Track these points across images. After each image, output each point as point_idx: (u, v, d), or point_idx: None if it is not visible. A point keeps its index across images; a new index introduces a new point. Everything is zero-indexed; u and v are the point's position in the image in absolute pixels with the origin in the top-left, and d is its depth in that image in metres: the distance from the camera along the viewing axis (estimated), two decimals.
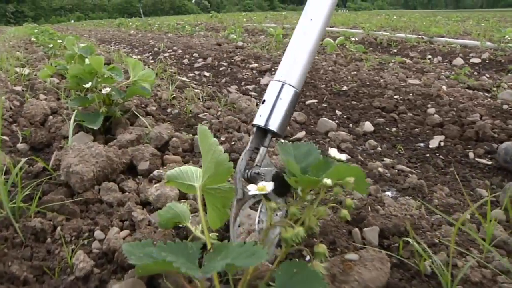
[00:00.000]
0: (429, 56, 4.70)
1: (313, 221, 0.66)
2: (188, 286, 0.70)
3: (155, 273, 0.75)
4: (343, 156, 0.76)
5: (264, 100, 0.92)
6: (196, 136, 1.53)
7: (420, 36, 6.00)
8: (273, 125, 0.87)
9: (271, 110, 0.89)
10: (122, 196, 1.11)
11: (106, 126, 1.68)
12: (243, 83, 3.37)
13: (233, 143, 1.55)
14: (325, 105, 2.66)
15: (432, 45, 5.35)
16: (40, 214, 1.06)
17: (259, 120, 0.88)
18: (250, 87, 3.18)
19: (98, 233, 0.97)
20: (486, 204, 1.35)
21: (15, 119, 1.90)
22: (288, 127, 2.01)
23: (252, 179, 0.81)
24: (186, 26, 7.73)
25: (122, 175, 1.26)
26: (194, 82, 3.17)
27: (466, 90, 2.88)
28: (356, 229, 1.03)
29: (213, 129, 1.69)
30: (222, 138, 1.60)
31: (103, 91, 1.58)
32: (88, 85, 1.61)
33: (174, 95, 2.24)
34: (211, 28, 9.04)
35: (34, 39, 5.44)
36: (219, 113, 1.86)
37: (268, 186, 0.70)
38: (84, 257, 0.86)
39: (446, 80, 3.29)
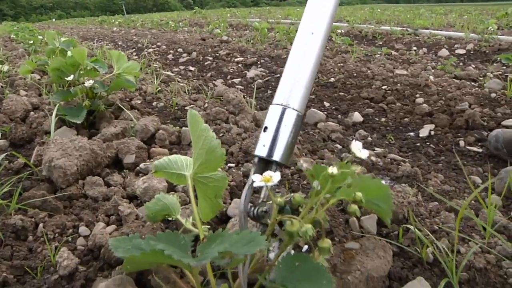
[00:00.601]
0: (415, 48, 4.70)
1: (321, 215, 0.60)
2: (180, 282, 0.66)
3: (144, 268, 0.70)
4: (365, 153, 0.68)
5: (266, 127, 0.80)
6: (183, 128, 1.48)
7: (404, 29, 6.00)
8: (278, 155, 0.77)
9: (274, 139, 0.78)
10: (107, 191, 1.06)
11: (89, 120, 1.63)
12: (229, 76, 3.33)
13: (221, 134, 1.51)
14: (313, 96, 2.62)
15: (417, 37, 5.35)
16: (21, 211, 1.00)
17: (262, 150, 0.77)
18: (236, 80, 3.14)
19: (82, 229, 0.92)
20: (482, 191, 1.34)
21: None
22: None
23: (259, 218, 0.72)
24: (170, 22, 7.64)
25: (107, 169, 1.21)
26: (179, 76, 3.11)
27: (454, 79, 2.87)
28: (354, 218, 1.00)
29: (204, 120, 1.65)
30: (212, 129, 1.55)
31: (86, 84, 1.52)
32: (70, 78, 1.55)
33: (160, 88, 2.18)
34: (195, 24, 8.95)
35: (14, 36, 5.32)
36: (206, 105, 1.81)
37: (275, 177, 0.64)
38: (68, 255, 0.81)
39: (433, 70, 3.28)
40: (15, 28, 7.04)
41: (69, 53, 1.66)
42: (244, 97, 2.36)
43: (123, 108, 1.62)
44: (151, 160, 1.26)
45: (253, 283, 0.66)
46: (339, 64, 3.45)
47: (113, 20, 12.04)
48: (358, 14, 9.10)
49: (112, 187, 1.09)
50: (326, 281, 0.56)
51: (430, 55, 4.26)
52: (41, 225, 0.94)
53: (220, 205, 0.74)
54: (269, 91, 2.83)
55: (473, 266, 0.79)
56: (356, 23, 7.16)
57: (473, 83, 2.85)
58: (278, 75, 3.15)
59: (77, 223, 0.95)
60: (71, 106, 1.62)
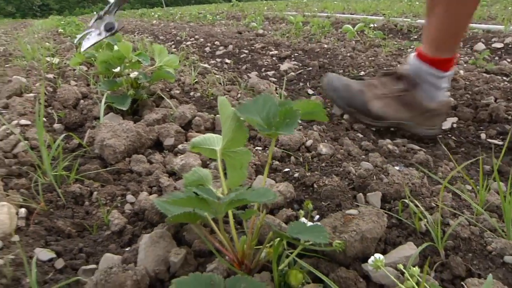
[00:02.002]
0: None
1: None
2: (210, 237, 0.81)
3: (182, 221, 0.86)
4: None
5: None
6: (217, 116, 1.64)
7: None
8: None
9: None
10: (150, 167, 1.24)
11: (133, 108, 1.81)
12: (263, 69, 3.46)
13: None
14: None
15: None
16: (78, 181, 1.18)
17: None
18: (270, 73, 3.27)
19: (129, 197, 1.10)
20: (490, 178, 1.44)
21: (50, 103, 2.04)
22: None
23: None
24: (208, 15, 7.83)
25: (150, 149, 1.39)
26: (216, 68, 3.28)
27: (483, 74, 2.92)
28: (360, 194, 1.13)
29: None
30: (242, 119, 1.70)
31: (131, 75, 1.70)
32: (117, 69, 1.74)
33: (197, 80, 2.35)
34: (232, 17, 9.13)
35: (61, 30, 5.62)
36: (239, 95, 1.96)
37: None
38: (119, 215, 0.98)
39: (465, 65, 3.32)
40: (62, 22, 7.40)
41: (115, 47, 1.85)
42: (276, 89, 2.50)
43: (164, 97, 1.79)
44: (188, 142, 1.42)
45: (263, 239, 0.82)
46: (370, 58, 3.53)
47: (153, 13, 12.38)
48: (395, 7, 9.03)
49: (154, 164, 1.26)
50: (323, 236, 0.70)
51: (465, 49, 4.27)
52: (95, 193, 1.12)
53: (244, 175, 0.89)
54: (301, 84, 2.96)
55: (458, 236, 0.92)
56: (393, 16, 7.15)
57: (504, 78, 2.88)
58: (311, 68, 3.27)
59: (124, 192, 1.13)
60: (117, 94, 1.80)
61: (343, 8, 10.10)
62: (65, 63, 3.19)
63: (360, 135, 1.81)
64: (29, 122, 1.55)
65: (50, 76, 2.69)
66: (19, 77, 2.43)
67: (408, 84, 1.73)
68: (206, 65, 3.37)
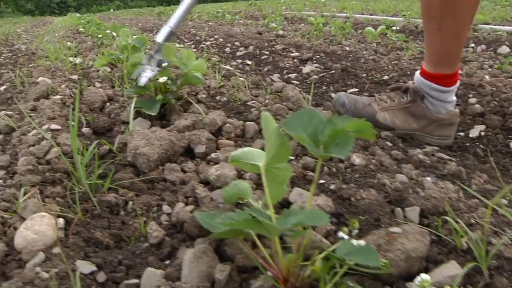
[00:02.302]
0: (472, 45, 4.63)
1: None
2: (253, 252, 0.80)
3: (226, 237, 0.86)
4: None
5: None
6: (247, 122, 1.63)
7: None
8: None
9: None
10: (183, 176, 1.23)
11: (161, 112, 1.80)
12: (285, 71, 3.45)
13: (281, 129, 1.64)
14: (366, 94, 2.71)
15: (476, 33, 5.26)
16: (112, 190, 1.18)
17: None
18: (292, 75, 3.26)
19: (165, 208, 1.09)
20: None
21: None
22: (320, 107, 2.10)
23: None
24: (226, 15, 7.83)
25: (181, 157, 1.38)
26: (238, 70, 3.27)
27: (510, 80, 2.87)
28: (399, 209, 1.12)
29: None
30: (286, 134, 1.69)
31: (160, 80, 1.70)
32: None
33: (222, 83, 2.34)
34: (250, 16, 9.12)
35: (82, 29, 5.66)
36: (267, 101, 1.95)
37: None
38: (157, 227, 0.98)
39: (490, 69, 3.27)
40: (82, 21, 7.47)
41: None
42: (300, 92, 2.48)
43: (192, 101, 1.79)
44: (220, 150, 1.41)
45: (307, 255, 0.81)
46: (393, 62, 3.50)
47: (171, 12, 12.41)
48: (415, 8, 8.94)
49: (188, 173, 1.26)
50: (373, 259, 0.69)
51: (489, 52, 4.20)
52: (130, 202, 1.12)
53: (285, 190, 0.88)
54: (324, 87, 2.93)
55: (502, 255, 0.89)
56: (413, 17, 7.08)
57: None
58: (333, 71, 3.25)
59: (160, 202, 1.12)
60: (145, 99, 1.80)
61: (362, 8, 10.04)
62: (87, 64, 3.21)
63: (389, 143, 1.78)
64: (59, 127, 1.55)
65: (74, 77, 2.71)
66: (45, 79, 2.45)
67: (414, 95, 1.78)
68: (228, 67, 3.36)
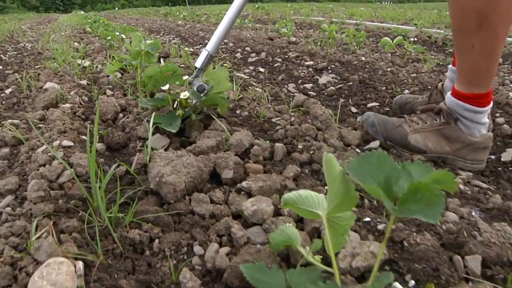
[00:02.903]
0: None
1: None
2: None
3: None
4: None
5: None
6: (276, 144, 1.50)
7: None
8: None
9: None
10: (213, 208, 1.10)
11: (180, 127, 1.68)
12: (300, 81, 3.32)
13: (312, 152, 1.52)
14: (387, 109, 2.58)
15: None
16: (134, 223, 1.05)
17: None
18: (308, 85, 3.13)
19: (197, 249, 0.96)
20: None
21: (87, 116, 1.93)
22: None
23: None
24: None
25: (208, 184, 1.25)
26: (253, 79, 3.14)
27: None
28: (458, 257, 0.99)
29: (289, 135, 1.66)
30: (300, 147, 1.56)
31: (182, 96, 1.57)
32: (166, 87, 1.61)
33: (241, 95, 2.22)
34: (259, 20, 9.00)
35: (89, 29, 5.53)
36: (292, 118, 1.82)
37: None
38: (191, 276, 0.84)
39: None
40: (88, 20, 7.32)
41: (163, 62, 1.71)
42: (333, 116, 2.36)
43: (213, 117, 1.66)
44: (250, 178, 1.28)
45: None
46: (412, 75, 3.37)
47: (177, 13, 12.29)
48: (425, 16, 8.83)
49: (218, 205, 1.12)
50: None
51: (507, 66, 4.08)
52: (156, 241, 0.98)
53: (346, 240, 0.76)
54: (342, 100, 2.81)
55: None
56: (424, 26, 6.97)
57: None
58: (351, 82, 3.12)
59: (190, 241, 0.99)
60: (163, 113, 1.67)
61: (371, 15, 9.93)
62: (96, 67, 3.08)
63: None
64: (71, 143, 1.42)
65: (83, 82, 2.58)
66: (54, 84, 2.32)
67: (447, 117, 1.70)
68: (243, 75, 3.24)
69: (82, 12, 19.07)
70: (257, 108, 1.99)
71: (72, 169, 1.22)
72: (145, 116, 1.79)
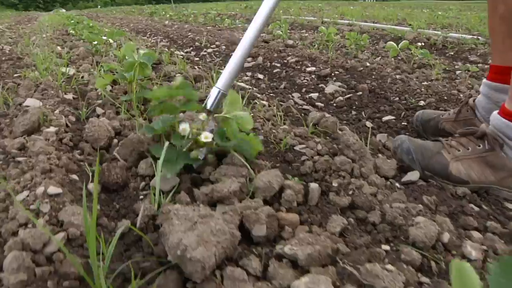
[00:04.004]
0: (491, 61, 4.31)
1: None
2: None
3: None
4: None
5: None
6: (311, 185, 1.24)
7: (475, 37, 5.60)
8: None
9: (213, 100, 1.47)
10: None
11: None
12: (303, 89, 3.07)
13: (351, 192, 1.26)
14: (405, 123, 2.35)
15: None
16: None
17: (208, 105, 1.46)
18: (314, 95, 2.88)
19: None
20: None
21: (76, 143, 1.64)
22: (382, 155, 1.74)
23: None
24: (226, 19, 7.40)
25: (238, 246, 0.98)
26: (255, 89, 2.87)
27: None
28: None
29: (319, 169, 1.40)
30: (335, 184, 1.30)
31: (203, 139, 1.27)
32: (185, 127, 1.31)
33: (252, 114, 1.95)
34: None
35: (72, 31, 5.20)
36: (319, 146, 1.56)
37: None
38: None
39: None
40: (71, 21, 6.93)
41: (177, 79, 1.41)
42: (365, 143, 2.12)
43: (234, 153, 1.38)
44: (283, 229, 1.02)
45: None
46: (423, 83, 3.14)
47: (163, 12, 11.90)
48: (416, 15, 8.65)
49: (257, 281, 0.86)
50: None
51: None
52: None
53: None
54: (353, 112, 2.56)
55: None
56: (420, 27, 6.77)
57: None
58: (360, 92, 2.88)
59: None
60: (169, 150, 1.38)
61: (361, 14, 9.72)
62: (83, 77, 2.78)
63: (474, 207, 1.40)
64: (59, 190, 1.13)
65: (69, 96, 2.28)
66: (35, 101, 2.03)
67: (492, 143, 1.51)
68: (243, 84, 2.97)
69: (64, 11, 18.55)
70: (273, 131, 1.72)
71: (64, 232, 0.95)
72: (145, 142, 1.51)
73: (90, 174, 1.35)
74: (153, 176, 1.31)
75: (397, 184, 1.42)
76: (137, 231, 0.98)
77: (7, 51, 4.35)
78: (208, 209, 0.97)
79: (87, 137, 1.62)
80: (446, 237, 1.07)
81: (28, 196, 1.11)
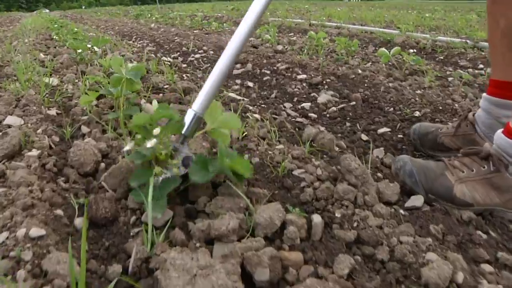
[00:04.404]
0: (481, 66, 4.29)
1: None
2: None
3: None
4: None
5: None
6: (314, 220, 1.16)
7: (464, 41, 5.58)
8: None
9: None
10: None
11: (180, 188, 1.32)
12: (295, 99, 3.00)
13: (355, 224, 1.18)
14: (401, 135, 2.28)
15: (483, 52, 4.93)
16: None
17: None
18: (306, 105, 2.81)
19: None
20: None
21: (61, 168, 1.54)
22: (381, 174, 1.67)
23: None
24: (213, 22, 7.29)
25: None
26: (246, 100, 2.79)
27: None
28: None
29: (320, 197, 1.32)
30: (338, 215, 1.23)
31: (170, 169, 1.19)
32: (153, 143, 1.23)
33: (246, 132, 1.86)
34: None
35: (56, 37, 5.05)
36: (319, 170, 1.48)
37: None
38: None
39: None
40: (55, 25, 6.75)
41: (154, 104, 1.34)
42: (319, 129, 2.05)
43: (231, 185, 1.29)
44: (287, 271, 0.94)
45: None
46: (417, 91, 3.09)
47: (149, 15, 11.70)
48: (402, 17, 8.62)
49: None
50: None
51: None
52: None
53: None
54: (347, 124, 2.50)
55: None
56: (409, 30, 6.74)
57: None
58: (353, 102, 2.82)
59: None
60: (157, 176, 1.30)
61: (349, 16, 9.67)
62: (67, 89, 2.67)
63: (482, 235, 1.34)
64: (42, 232, 1.03)
65: (52, 112, 2.18)
66: (16, 119, 1.92)
67: (497, 164, 1.45)
68: (233, 95, 2.88)
69: (47, 11, 18.24)
70: (269, 152, 1.64)
71: (50, 284, 0.86)
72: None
73: (76, 207, 1.25)
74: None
75: (401, 211, 1.35)
76: (130, 280, 0.90)
77: None
78: (207, 257, 0.89)
79: (72, 162, 1.52)
80: (460, 277, 1.01)
81: (7, 238, 1.01)
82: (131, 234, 1.15)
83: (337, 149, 1.96)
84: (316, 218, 1.16)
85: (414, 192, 1.49)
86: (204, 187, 1.30)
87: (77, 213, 1.23)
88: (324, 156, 1.82)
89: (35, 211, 1.14)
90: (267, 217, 1.08)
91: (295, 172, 1.47)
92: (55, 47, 4.66)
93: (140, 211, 1.23)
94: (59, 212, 1.21)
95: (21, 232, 1.02)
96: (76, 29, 4.81)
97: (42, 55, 4.02)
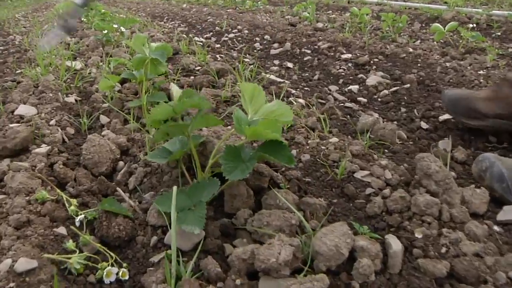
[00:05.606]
0: None
1: None
2: None
3: None
4: None
5: None
6: (393, 247, 0.86)
7: None
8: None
9: None
10: None
11: (214, 195, 1.04)
12: (341, 81, 2.68)
13: (443, 250, 0.88)
14: None
15: None
16: None
17: None
18: (354, 88, 2.49)
19: None
20: None
21: (72, 167, 1.29)
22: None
23: None
24: (247, 1, 6.96)
25: None
26: (288, 83, 2.48)
27: None
28: None
29: (394, 210, 1.02)
30: (418, 236, 0.92)
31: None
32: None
33: (292, 122, 1.57)
34: (271, 2, 8.23)
35: (84, 19, 4.86)
36: (387, 173, 1.17)
37: None
38: None
39: None
40: (84, 7, 6.53)
41: (175, 90, 1.05)
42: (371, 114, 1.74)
43: (275, 192, 1.00)
44: None
45: None
46: (479, 72, 2.71)
47: None
48: None
49: None
50: None
51: None
52: None
53: None
54: (402, 109, 2.17)
55: None
56: (458, 5, 6.23)
57: None
58: (408, 84, 2.47)
59: None
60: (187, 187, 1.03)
61: None
62: (90, 72, 2.43)
63: None
64: (33, 264, 0.77)
65: (71, 99, 1.94)
66: (29, 108, 1.69)
67: None
68: (272, 76, 2.58)
69: None
70: (321, 147, 1.34)
71: None
72: (159, 173, 1.15)
73: (85, 222, 0.99)
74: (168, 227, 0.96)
75: (495, 228, 1.04)
76: None
77: (17, 42, 4.05)
78: None
79: (84, 160, 1.27)
80: None
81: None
82: (151, 261, 0.89)
83: (397, 141, 1.65)
84: (394, 244, 0.86)
85: (505, 200, 1.18)
86: (244, 195, 1.02)
87: (85, 230, 0.97)
88: (385, 150, 1.51)
89: (29, 231, 0.89)
90: (331, 245, 0.80)
91: (357, 175, 1.17)
92: (83, 29, 4.45)
93: (163, 230, 0.96)
94: (61, 230, 0.95)
95: (5, 264, 0.76)
96: (103, 11, 4.58)
97: (68, 37, 3.82)
